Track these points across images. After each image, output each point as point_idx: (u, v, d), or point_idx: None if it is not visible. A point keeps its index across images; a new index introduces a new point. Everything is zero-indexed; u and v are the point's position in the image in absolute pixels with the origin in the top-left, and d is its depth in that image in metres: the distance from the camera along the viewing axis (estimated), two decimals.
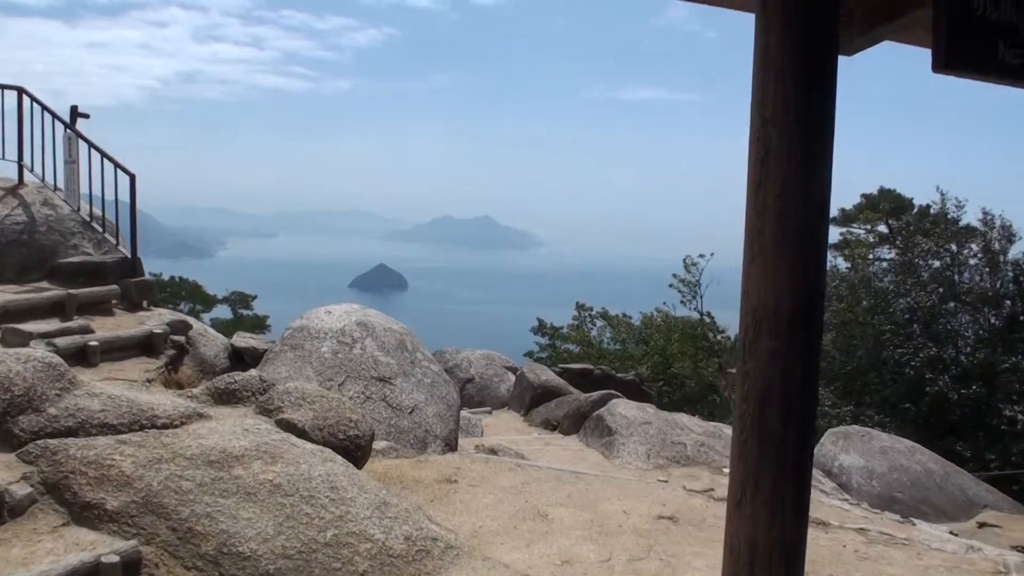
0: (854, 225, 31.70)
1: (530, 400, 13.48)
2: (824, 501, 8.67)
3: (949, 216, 24.95)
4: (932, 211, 29.82)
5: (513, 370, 15.81)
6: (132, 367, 8.52)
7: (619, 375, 19.53)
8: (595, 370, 19.16)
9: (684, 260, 30.93)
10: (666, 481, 8.46)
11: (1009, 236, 24.03)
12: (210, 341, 9.96)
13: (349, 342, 9.64)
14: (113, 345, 8.71)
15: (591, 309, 37.76)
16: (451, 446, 9.11)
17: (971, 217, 25.02)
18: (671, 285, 31.09)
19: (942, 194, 25.10)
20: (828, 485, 10.56)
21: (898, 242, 27.29)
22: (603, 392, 11.79)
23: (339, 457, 6.39)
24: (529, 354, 44.36)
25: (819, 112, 2.77)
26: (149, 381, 8.21)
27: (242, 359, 10.00)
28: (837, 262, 30.30)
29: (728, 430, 11.38)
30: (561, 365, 19.20)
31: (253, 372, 7.71)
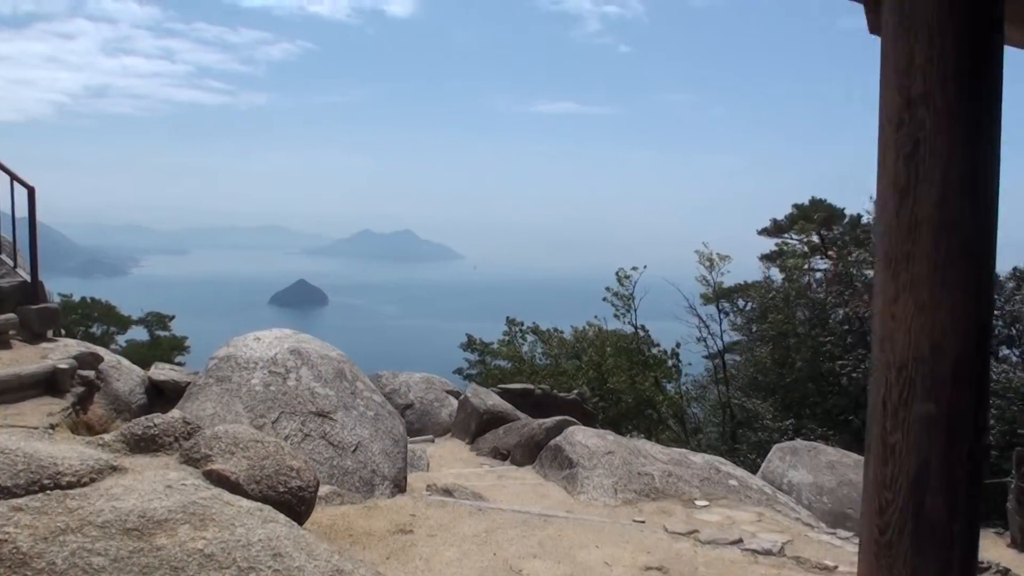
0: (787, 235, 31.76)
1: (476, 427, 12.59)
2: (813, 537, 7.99)
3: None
4: (863, 220, 30.03)
5: (455, 394, 14.90)
6: (32, 410, 7.35)
7: (560, 395, 18.82)
8: (536, 390, 18.41)
9: (617, 273, 30.48)
10: (643, 522, 7.66)
11: None
12: (124, 375, 8.80)
13: (282, 372, 8.62)
14: (9, 385, 7.51)
15: (521, 324, 37.02)
16: (400, 487, 8.17)
17: None
18: (604, 299, 30.60)
19: (873, 202, 25.10)
20: (804, 514, 9.91)
21: (831, 253, 27.33)
22: (557, 419, 10.98)
23: (281, 516, 5.40)
24: (459, 371, 43.42)
25: (989, 83, 2.00)
26: (53, 427, 7.06)
27: (162, 394, 8.88)
28: (772, 273, 30.30)
29: (693, 456, 10.69)
30: (500, 386, 18.35)
31: (176, 413, 6.63)
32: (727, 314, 31.25)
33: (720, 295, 29.10)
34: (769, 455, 17.47)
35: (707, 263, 28.04)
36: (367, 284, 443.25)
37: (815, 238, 31.62)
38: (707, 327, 29.43)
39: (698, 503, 8.89)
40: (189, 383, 8.75)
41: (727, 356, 37.60)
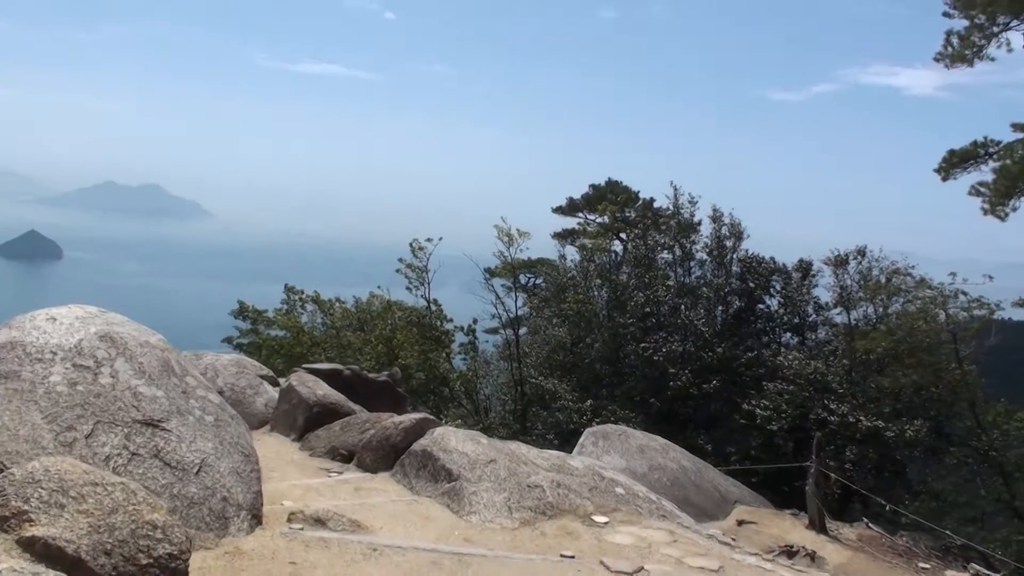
0: (579, 215, 31.65)
1: (304, 421, 10.70)
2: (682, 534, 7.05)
3: (682, 211, 25.19)
4: (656, 205, 30.44)
5: (270, 380, 12.80)
6: None
7: (371, 376, 17.14)
8: (344, 371, 16.59)
9: (411, 244, 28.92)
10: (572, 556, 6.36)
11: (738, 234, 24.73)
12: None
13: (91, 366, 6.49)
14: None
15: (301, 292, 34.53)
16: (258, 517, 6.35)
17: (702, 213, 25.46)
18: (398, 270, 28.97)
19: (675, 189, 25.29)
20: (685, 517, 9.05)
21: (632, 235, 27.35)
22: (416, 417, 9.39)
23: None
24: (228, 339, 40.09)
25: None
26: None
27: None
28: (567, 251, 30.01)
29: (573, 461, 9.56)
30: (305, 366, 16.34)
31: None
32: (523, 291, 30.66)
33: (515, 269, 28.32)
34: (582, 440, 16.86)
35: (506, 239, 27.15)
36: (107, 239, 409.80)
37: (604, 219, 31.78)
38: (502, 303, 28.62)
39: (597, 519, 7.76)
40: None
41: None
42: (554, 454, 9.51)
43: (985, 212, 16.59)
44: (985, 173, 17.72)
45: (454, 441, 8.41)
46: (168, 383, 6.79)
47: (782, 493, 20.60)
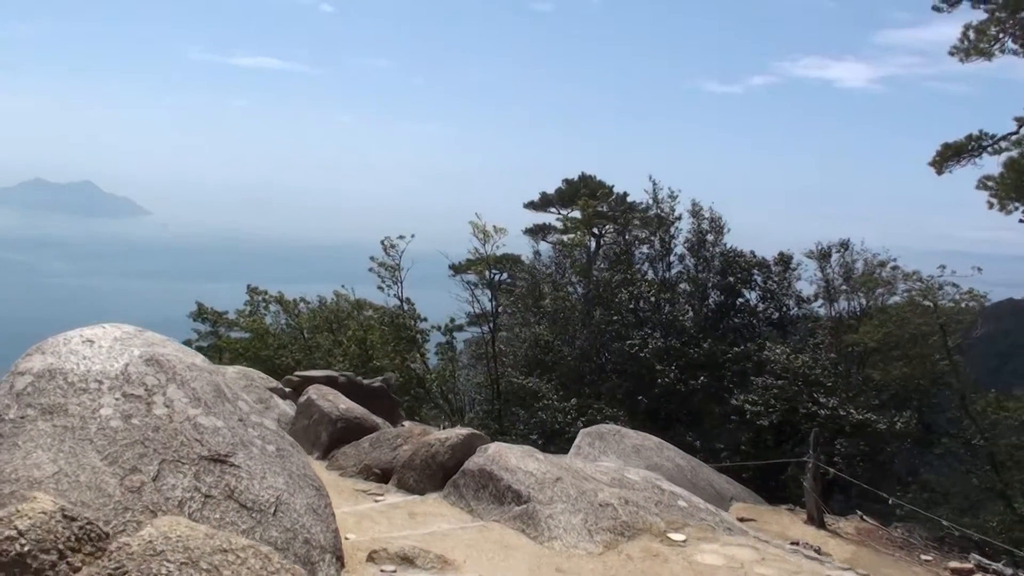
0: (551, 210, 31.20)
1: (329, 438, 10.01)
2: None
3: (662, 205, 24.84)
4: (630, 199, 30.11)
5: (279, 393, 12.05)
6: None
7: (366, 382, 16.48)
8: (339, 377, 15.93)
9: (383, 242, 28.12)
10: None
11: (718, 228, 24.50)
12: None
13: (143, 395, 5.80)
14: None
15: (264, 293, 33.42)
16: (340, 559, 5.75)
17: (681, 208, 25.15)
18: (370, 269, 28.15)
19: (654, 183, 24.94)
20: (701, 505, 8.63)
21: (608, 230, 26.96)
22: (463, 433, 8.79)
23: None
24: (187, 343, 38.80)
25: None
26: None
27: None
28: (541, 247, 29.53)
29: (629, 474, 9.08)
30: (299, 373, 15.66)
31: (45, 502, 3.83)
32: (494, 287, 30.04)
33: (491, 266, 27.71)
34: (577, 441, 16.44)
35: (481, 235, 26.54)
36: (39, 238, 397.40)
37: (577, 214, 31.36)
38: (477, 301, 28.00)
39: (673, 537, 7.33)
40: None
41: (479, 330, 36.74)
42: (608, 467, 9.04)
43: (991, 206, 16.53)
44: (980, 167, 17.68)
45: (514, 459, 7.87)
46: (224, 410, 6.13)
47: (769, 488, 20.47)
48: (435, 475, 8.33)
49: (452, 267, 36.96)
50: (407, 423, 16.57)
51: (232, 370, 11.47)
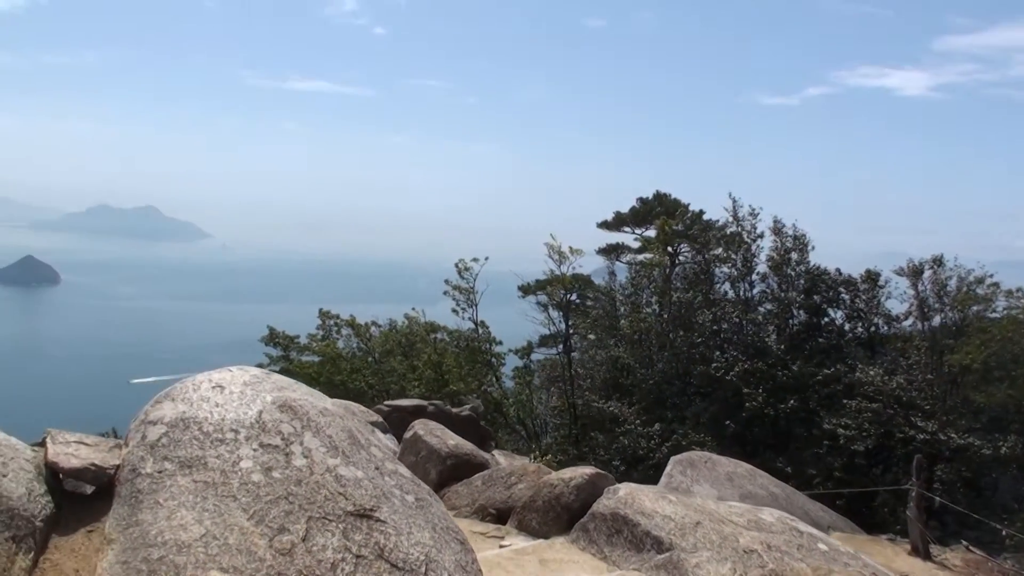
0: (624, 228, 30.67)
1: (439, 476, 9.61)
2: None
3: (743, 223, 24.10)
4: (705, 217, 29.42)
5: (381, 427, 11.72)
6: None
7: (454, 411, 16.11)
8: (428, 406, 15.59)
9: (457, 264, 27.85)
10: None
11: (802, 246, 23.73)
12: (7, 461, 5.12)
13: (280, 445, 5.46)
14: None
15: (336, 316, 33.40)
16: None
17: (763, 225, 24.41)
18: (445, 292, 27.88)
19: (734, 201, 24.25)
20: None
21: (686, 249, 26.36)
22: (588, 472, 8.33)
23: None
24: (259, 366, 39.02)
25: None
26: None
27: (73, 492, 5.27)
28: (616, 268, 28.99)
29: (762, 514, 8.51)
30: (388, 403, 15.36)
31: None
32: (568, 309, 29.50)
33: (567, 288, 27.21)
34: (669, 469, 15.82)
35: (556, 256, 26.10)
36: (104, 262, 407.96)
37: (651, 232, 30.78)
38: (552, 323, 27.52)
39: None
40: (118, 467, 5.27)
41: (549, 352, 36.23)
42: (740, 507, 8.49)
43: None
44: None
45: (649, 502, 7.39)
46: (361, 458, 5.77)
47: (862, 515, 19.58)
48: (559, 517, 7.88)
49: (522, 288, 36.61)
50: (496, 452, 16.17)
51: (331, 402, 11.13)
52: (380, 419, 11.05)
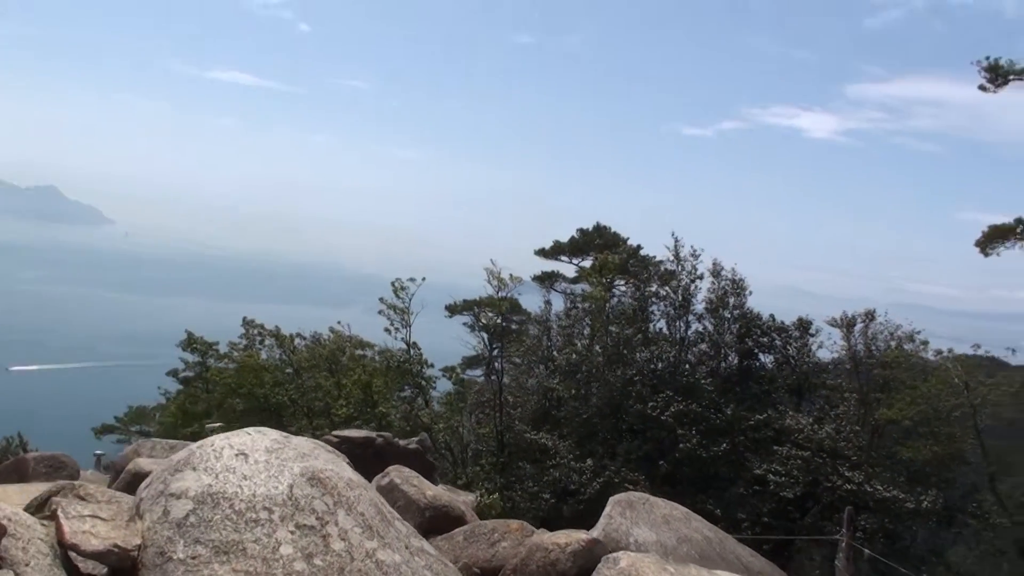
0: (561, 258, 30.76)
1: (417, 529, 9.21)
2: None
3: (684, 263, 24.38)
4: (642, 252, 29.73)
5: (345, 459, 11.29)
6: None
7: (401, 443, 15.81)
8: (377, 438, 15.29)
9: (393, 284, 27.35)
10: None
11: (739, 290, 24.16)
12: (29, 547, 4.63)
13: (316, 526, 5.20)
14: None
15: (260, 326, 32.56)
16: None
17: (702, 267, 24.70)
18: (380, 311, 27.34)
19: (675, 240, 24.51)
20: None
21: (619, 285, 26.53)
22: (585, 538, 8.15)
23: None
24: (173, 373, 37.77)
25: None
26: None
27: None
28: (554, 297, 28.97)
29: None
30: (336, 433, 14.98)
31: None
32: (490, 333, 29.21)
33: (503, 313, 26.99)
34: (608, 510, 15.79)
35: (495, 282, 25.92)
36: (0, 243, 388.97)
37: (585, 263, 30.95)
38: (485, 344, 27.16)
39: None
40: (141, 548, 4.87)
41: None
42: (724, 574, 8.48)
43: None
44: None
45: (649, 571, 7.30)
46: (392, 537, 5.55)
47: (782, 557, 19.99)
48: None
49: (449, 308, 36.35)
50: (443, 487, 15.88)
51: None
52: (347, 460, 10.64)
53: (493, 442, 25.97)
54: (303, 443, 6.03)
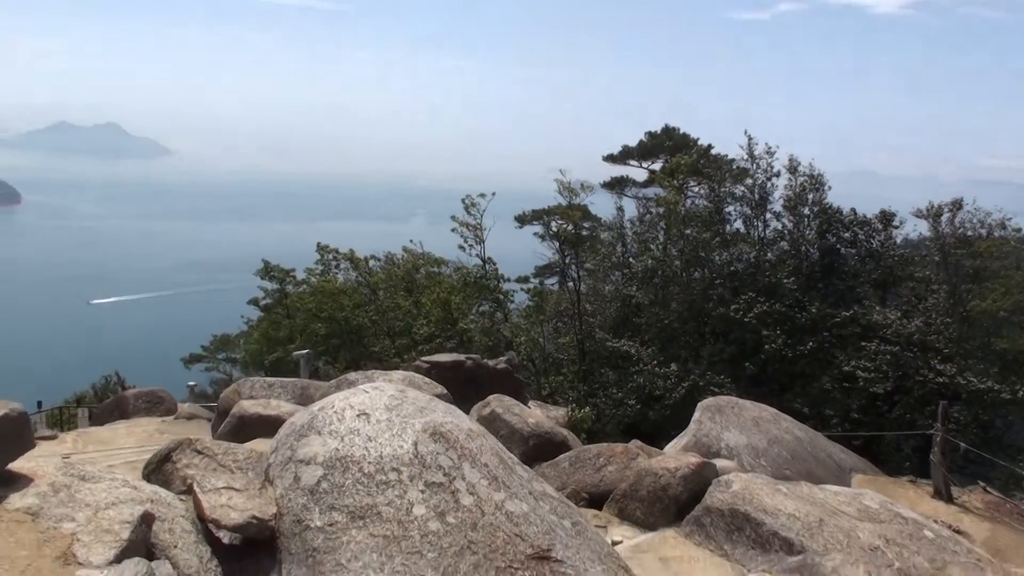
0: (631, 162, 30.13)
1: (522, 457, 9.24)
2: None
3: (759, 161, 23.65)
4: (713, 152, 28.93)
5: (446, 399, 11.39)
6: None
7: (491, 364, 15.90)
8: (466, 360, 15.39)
9: (463, 200, 27.24)
10: None
11: (818, 186, 23.40)
12: (176, 527, 4.73)
13: (444, 483, 5.19)
14: None
15: (335, 250, 32.81)
16: None
17: (778, 164, 23.94)
18: (453, 229, 27.31)
19: (749, 139, 23.73)
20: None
21: (692, 187, 25.91)
22: (695, 461, 8.06)
23: None
24: (254, 301, 38.47)
25: None
26: None
27: (233, 552, 4.90)
28: (625, 203, 28.47)
29: (867, 500, 8.40)
30: (425, 359, 15.10)
31: None
32: (568, 243, 28.99)
33: (578, 223, 26.73)
34: (697, 415, 15.83)
35: (567, 192, 25.59)
36: (66, 181, 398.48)
37: (656, 166, 30.29)
38: (559, 253, 26.98)
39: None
40: (274, 521, 4.92)
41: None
42: (841, 493, 8.38)
43: None
44: None
45: (768, 498, 7.25)
46: (515, 485, 5.53)
47: (872, 453, 19.80)
48: (667, 509, 7.72)
49: (519, 218, 36.11)
50: (532, 404, 16.01)
51: (398, 376, 10.80)
52: (444, 391, 10.75)
53: (574, 351, 26.10)
54: (419, 396, 6.00)
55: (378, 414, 5.54)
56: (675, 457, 8.40)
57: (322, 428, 5.41)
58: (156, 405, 19.43)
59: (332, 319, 29.62)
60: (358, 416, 5.50)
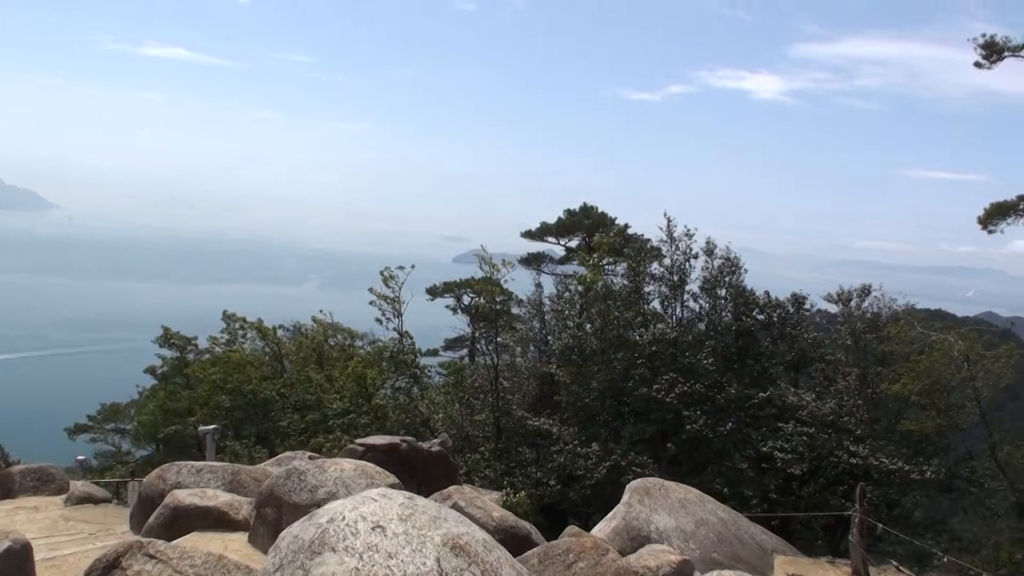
0: (548, 239, 30.43)
1: None
2: None
3: (678, 243, 24.21)
4: (630, 231, 29.47)
5: (396, 487, 10.92)
6: None
7: (424, 447, 15.50)
8: (401, 444, 14.95)
9: (382, 273, 26.89)
10: None
11: (734, 268, 24.07)
12: None
13: None
14: None
15: (242, 319, 31.82)
16: None
17: (696, 246, 24.57)
18: (371, 302, 26.86)
19: (668, 220, 24.32)
20: None
21: (616, 267, 26.28)
22: (676, 559, 7.92)
23: None
24: (151, 370, 36.83)
25: None
26: None
27: None
28: (543, 279, 28.62)
29: None
30: (360, 441, 14.64)
31: None
32: (467, 313, 28.92)
33: (495, 298, 26.67)
34: (626, 497, 15.85)
35: (488, 268, 25.57)
36: None
37: (573, 243, 30.66)
38: (474, 333, 26.93)
39: None
40: None
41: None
42: None
43: None
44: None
45: None
46: None
47: (787, 532, 20.12)
48: None
49: (430, 290, 35.89)
50: (465, 487, 15.59)
51: (350, 466, 10.29)
52: (397, 481, 10.34)
53: (490, 428, 25.79)
54: (429, 505, 5.73)
55: (393, 526, 5.24)
56: (655, 555, 8.25)
57: (336, 544, 5.07)
58: (46, 483, 17.97)
59: (238, 391, 28.55)
60: (372, 529, 5.19)
